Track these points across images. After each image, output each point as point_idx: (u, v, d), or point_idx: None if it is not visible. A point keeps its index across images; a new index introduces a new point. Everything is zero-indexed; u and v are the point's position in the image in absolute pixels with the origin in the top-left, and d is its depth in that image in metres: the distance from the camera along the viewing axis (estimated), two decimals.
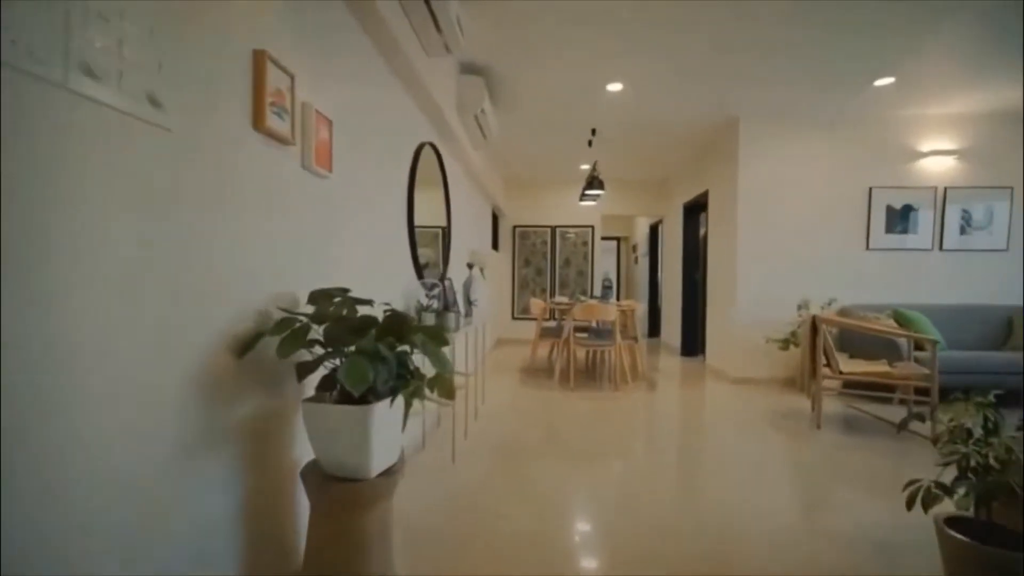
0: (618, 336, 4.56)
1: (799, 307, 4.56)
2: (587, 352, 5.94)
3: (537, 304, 5.27)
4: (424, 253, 3.32)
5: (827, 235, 4.75)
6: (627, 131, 5.17)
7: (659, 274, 8.61)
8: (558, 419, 3.52)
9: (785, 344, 4.62)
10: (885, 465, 2.68)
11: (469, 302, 3.60)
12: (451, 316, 2.35)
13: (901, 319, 4.25)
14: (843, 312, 4.57)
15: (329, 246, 1.78)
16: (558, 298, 5.92)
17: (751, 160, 4.76)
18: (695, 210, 6.45)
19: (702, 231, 6.60)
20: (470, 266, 3.64)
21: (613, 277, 11.61)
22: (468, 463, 2.62)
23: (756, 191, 4.77)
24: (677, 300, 6.87)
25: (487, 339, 6.32)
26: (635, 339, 5.03)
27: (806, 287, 4.72)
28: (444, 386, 1.43)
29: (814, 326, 3.51)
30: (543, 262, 7.69)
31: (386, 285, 2.39)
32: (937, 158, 4.62)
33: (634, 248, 10.52)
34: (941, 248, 4.69)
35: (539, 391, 4.41)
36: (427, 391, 1.39)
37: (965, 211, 4.66)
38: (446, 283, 3.61)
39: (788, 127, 4.72)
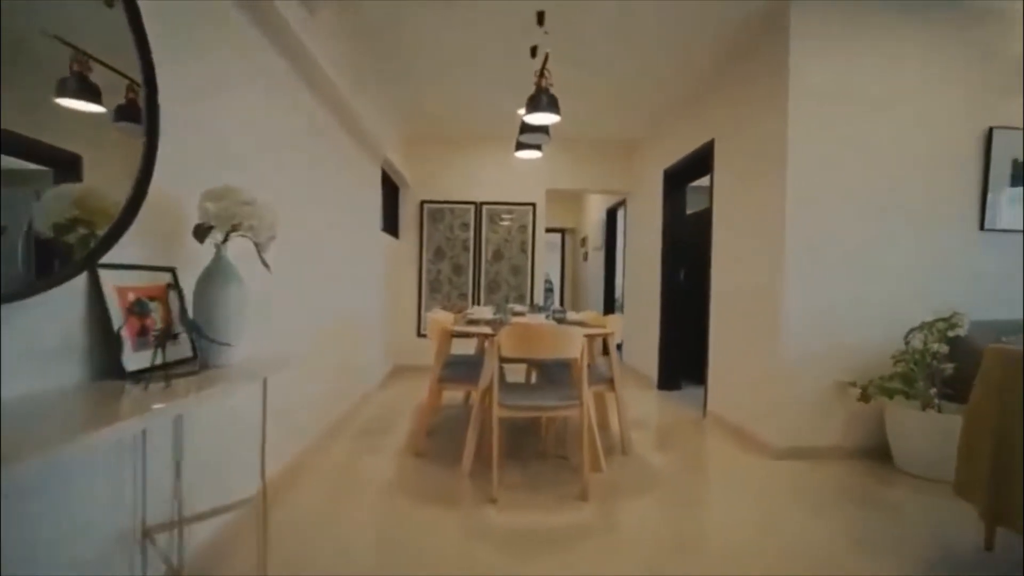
0: (585, 385, 2.36)
1: (909, 334, 2.57)
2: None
3: (439, 323, 2.93)
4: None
5: (914, 208, 2.82)
6: (590, 35, 3.01)
7: (618, 274, 6.58)
8: None
9: (866, 395, 2.63)
10: None
11: (195, 334, 1.25)
12: None
13: None
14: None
15: None
16: (477, 311, 3.60)
17: (810, 75, 2.74)
18: (683, 178, 4.42)
19: (691, 209, 4.60)
20: (200, 233, 1.29)
21: (556, 279, 9.51)
22: None
23: (815, 131, 2.76)
24: (650, 310, 4.82)
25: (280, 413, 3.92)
26: (611, 382, 2.87)
27: (887, 292, 2.77)
28: None
29: None
30: (464, 255, 5.39)
31: None
32: None
33: (583, 241, 8.47)
34: None
35: (428, 508, 2.11)
36: None
37: None
38: (105, 290, 1.22)
39: (861, 25, 2.75)
